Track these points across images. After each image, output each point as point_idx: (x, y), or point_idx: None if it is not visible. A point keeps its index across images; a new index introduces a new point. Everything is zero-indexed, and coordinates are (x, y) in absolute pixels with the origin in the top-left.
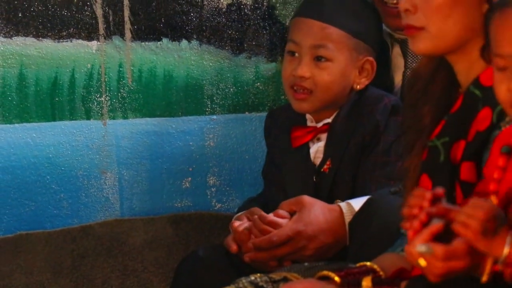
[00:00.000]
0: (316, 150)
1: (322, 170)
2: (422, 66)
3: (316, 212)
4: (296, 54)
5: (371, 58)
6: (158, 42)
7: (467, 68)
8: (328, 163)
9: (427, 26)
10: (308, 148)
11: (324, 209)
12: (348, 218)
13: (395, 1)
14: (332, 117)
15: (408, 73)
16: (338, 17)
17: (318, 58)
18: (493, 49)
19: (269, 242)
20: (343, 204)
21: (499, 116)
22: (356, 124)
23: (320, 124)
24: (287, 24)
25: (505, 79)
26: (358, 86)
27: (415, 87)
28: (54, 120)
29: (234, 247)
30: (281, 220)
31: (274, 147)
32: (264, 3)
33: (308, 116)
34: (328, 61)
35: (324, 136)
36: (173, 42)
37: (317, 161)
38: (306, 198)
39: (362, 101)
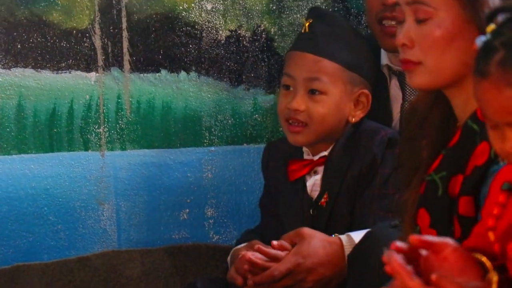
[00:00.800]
0: (313, 183)
1: (319, 203)
2: (419, 99)
3: (316, 244)
4: (291, 88)
5: (366, 91)
6: (157, 74)
7: (464, 102)
8: (325, 196)
9: (424, 60)
10: (305, 181)
11: (324, 241)
12: (348, 250)
13: (393, 22)
14: (328, 150)
15: (406, 105)
16: (332, 50)
17: (312, 91)
18: (482, 111)
19: (270, 277)
20: (343, 237)
21: None
22: (353, 157)
23: (316, 157)
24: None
25: (497, 137)
26: (353, 119)
27: (413, 121)
28: (52, 151)
29: (240, 280)
30: (281, 253)
31: (271, 180)
32: (263, 35)
33: (304, 149)
34: (323, 94)
35: (321, 169)
36: (172, 74)
37: (314, 194)
38: (306, 230)
39: (358, 134)
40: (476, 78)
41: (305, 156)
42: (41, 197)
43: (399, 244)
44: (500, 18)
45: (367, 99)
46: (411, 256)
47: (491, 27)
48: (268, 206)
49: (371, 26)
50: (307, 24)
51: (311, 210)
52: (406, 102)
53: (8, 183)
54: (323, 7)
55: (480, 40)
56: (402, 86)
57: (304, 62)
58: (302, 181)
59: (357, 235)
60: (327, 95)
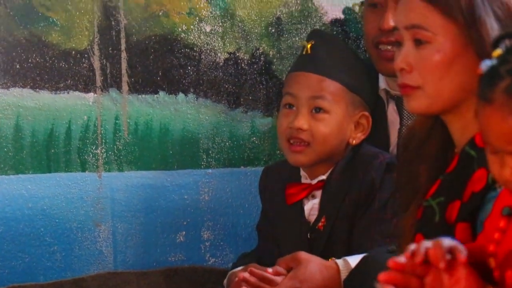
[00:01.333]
0: (311, 207)
1: (316, 227)
2: (417, 124)
3: (312, 269)
4: (294, 107)
5: (367, 113)
6: (155, 95)
7: (462, 128)
8: (323, 220)
9: (423, 85)
10: (303, 205)
11: (320, 266)
12: (344, 275)
13: (389, 47)
14: (326, 174)
15: (403, 130)
16: (335, 71)
17: (316, 110)
18: (483, 136)
19: None
20: (339, 261)
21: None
22: (351, 181)
23: (315, 181)
24: (283, 79)
25: (496, 162)
26: (354, 141)
27: (410, 146)
28: (50, 171)
29: None
30: (277, 278)
31: (269, 203)
32: (261, 58)
33: (302, 173)
34: (326, 113)
35: (318, 193)
36: (170, 96)
37: (312, 218)
38: (303, 255)
39: (357, 158)
40: (480, 102)
41: (303, 180)
42: (37, 218)
43: (398, 260)
44: (507, 43)
45: (368, 122)
46: (411, 271)
47: (497, 52)
48: (265, 230)
49: (368, 50)
50: (308, 46)
51: (308, 234)
52: (403, 127)
53: (5, 203)
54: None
55: (486, 64)
56: (400, 110)
57: (307, 82)
58: (300, 205)
59: (354, 260)
60: (330, 114)
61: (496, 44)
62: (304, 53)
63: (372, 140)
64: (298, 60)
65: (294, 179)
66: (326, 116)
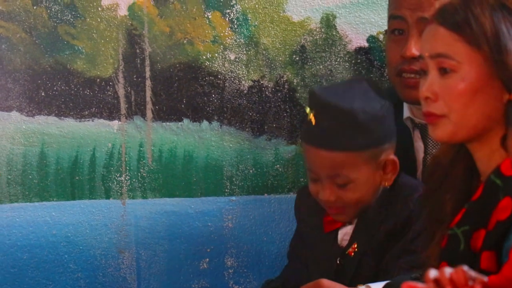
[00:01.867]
0: (345, 232)
1: (347, 252)
2: (442, 153)
3: None
4: (317, 180)
5: (390, 157)
6: (179, 123)
7: (487, 156)
8: (354, 246)
9: (448, 114)
10: (337, 230)
11: None
12: None
13: (412, 75)
14: None
15: (428, 158)
16: (344, 141)
17: (339, 186)
18: None
19: None
20: (362, 287)
21: None
22: (389, 211)
23: None
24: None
25: None
26: (386, 183)
27: (435, 174)
28: (74, 199)
29: None
30: None
31: (303, 225)
32: (285, 86)
33: None
34: (349, 184)
35: (354, 220)
36: (194, 123)
37: (344, 243)
38: (325, 282)
39: (396, 188)
40: None
41: None
42: (61, 245)
43: (415, 284)
44: None
45: (394, 162)
46: None
47: None
48: (297, 249)
49: (391, 79)
50: (312, 115)
51: (338, 259)
52: (428, 155)
53: (29, 230)
54: (346, 59)
55: None
56: (424, 138)
57: (321, 160)
58: (335, 230)
59: (377, 286)
60: (354, 182)
61: None
62: (308, 121)
63: (400, 167)
64: (307, 129)
65: None
66: (351, 185)
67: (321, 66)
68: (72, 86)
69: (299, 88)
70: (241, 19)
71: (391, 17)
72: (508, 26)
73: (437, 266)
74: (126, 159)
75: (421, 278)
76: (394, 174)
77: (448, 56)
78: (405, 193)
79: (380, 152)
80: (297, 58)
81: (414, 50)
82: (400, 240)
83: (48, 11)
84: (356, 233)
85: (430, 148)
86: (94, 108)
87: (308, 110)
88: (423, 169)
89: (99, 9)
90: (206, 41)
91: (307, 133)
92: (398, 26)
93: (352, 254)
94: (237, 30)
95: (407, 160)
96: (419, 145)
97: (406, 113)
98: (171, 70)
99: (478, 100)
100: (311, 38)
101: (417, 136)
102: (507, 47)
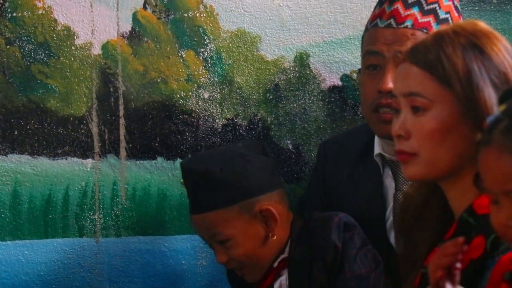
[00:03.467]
0: (279, 285)
1: None
2: (414, 191)
3: None
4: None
5: (264, 207)
6: (153, 161)
7: (460, 195)
8: None
9: (420, 152)
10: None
11: None
12: None
13: (388, 109)
14: (286, 252)
15: (398, 195)
16: (207, 198)
17: (222, 245)
18: (483, 182)
19: None
20: None
21: (493, 245)
22: (313, 250)
23: (276, 263)
24: (281, 145)
25: (495, 211)
26: (274, 237)
27: (408, 213)
28: (47, 237)
29: None
30: None
31: None
32: (259, 124)
33: None
34: (229, 240)
35: (284, 271)
36: (168, 161)
37: None
38: None
39: (311, 225)
40: (480, 149)
41: None
42: (34, 284)
43: None
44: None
45: (269, 210)
46: None
47: (503, 107)
48: None
49: (366, 116)
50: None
51: None
52: (398, 192)
53: (2, 269)
54: (320, 98)
55: (490, 118)
56: (395, 175)
57: (198, 225)
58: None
59: None
60: (233, 239)
61: (503, 100)
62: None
63: (368, 205)
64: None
65: None
66: (232, 242)
67: (295, 105)
68: (46, 124)
69: (273, 126)
70: (215, 58)
71: (367, 53)
72: (480, 65)
73: None
74: (100, 197)
75: None
76: (280, 224)
77: (420, 95)
78: (321, 226)
79: (252, 204)
80: (271, 97)
81: (391, 84)
82: (338, 274)
83: (22, 50)
84: (292, 282)
85: (401, 185)
86: (67, 147)
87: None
88: (394, 206)
89: (73, 48)
90: (180, 80)
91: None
92: (374, 62)
93: None
94: (211, 68)
95: (376, 197)
96: (389, 182)
97: (377, 149)
98: (145, 108)
99: (450, 139)
100: (284, 76)
101: (387, 173)
102: (478, 86)
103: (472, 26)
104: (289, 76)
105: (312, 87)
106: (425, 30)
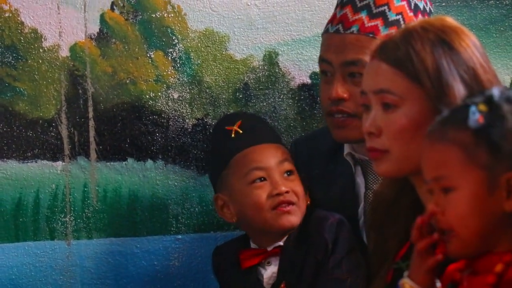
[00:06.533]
0: (270, 276)
1: None
2: (385, 188)
3: None
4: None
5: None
6: (123, 162)
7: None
8: (282, 286)
9: (391, 149)
10: (260, 273)
11: None
12: None
13: (339, 115)
14: (283, 240)
15: (369, 193)
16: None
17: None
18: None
19: None
20: None
21: None
22: (308, 245)
23: (271, 248)
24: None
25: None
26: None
27: (379, 210)
28: (18, 241)
29: None
30: None
31: (225, 282)
32: None
33: (253, 245)
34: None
35: (274, 260)
36: (138, 162)
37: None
38: None
39: (310, 222)
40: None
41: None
42: None
43: None
44: None
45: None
46: None
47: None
48: None
49: (325, 118)
50: (236, 127)
51: None
52: (368, 190)
53: None
54: (290, 96)
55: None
56: (365, 174)
57: (270, 152)
58: (256, 275)
59: None
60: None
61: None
62: (233, 135)
63: (340, 203)
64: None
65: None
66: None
67: (264, 103)
68: (15, 127)
69: None
70: (183, 58)
71: (320, 59)
72: (449, 61)
73: None
74: (71, 199)
75: None
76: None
77: (390, 92)
78: (317, 225)
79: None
80: (241, 96)
81: (340, 92)
82: (325, 272)
83: None
84: (282, 272)
85: (371, 183)
86: (37, 150)
87: (230, 129)
88: (365, 205)
89: (41, 50)
90: (149, 81)
91: (244, 140)
92: (326, 68)
93: None
94: (180, 69)
95: (349, 195)
96: (360, 180)
97: (347, 148)
98: (114, 110)
99: (420, 135)
100: (254, 75)
101: (358, 171)
102: (448, 82)
103: (441, 22)
104: (258, 75)
105: (282, 85)
106: (371, 35)
